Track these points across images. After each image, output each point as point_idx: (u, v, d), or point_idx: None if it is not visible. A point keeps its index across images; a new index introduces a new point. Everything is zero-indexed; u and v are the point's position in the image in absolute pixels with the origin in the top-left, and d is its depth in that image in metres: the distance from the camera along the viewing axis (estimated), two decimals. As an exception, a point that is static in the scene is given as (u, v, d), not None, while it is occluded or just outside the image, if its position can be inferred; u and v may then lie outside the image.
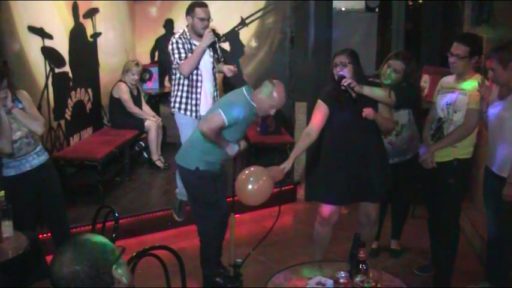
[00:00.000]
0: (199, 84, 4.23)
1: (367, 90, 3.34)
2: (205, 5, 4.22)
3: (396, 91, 3.49)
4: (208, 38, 4.12)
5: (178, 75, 4.24)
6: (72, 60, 5.42)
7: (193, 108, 4.26)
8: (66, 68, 5.34)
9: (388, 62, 3.77)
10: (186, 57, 4.12)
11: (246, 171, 3.23)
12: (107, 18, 6.29)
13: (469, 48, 3.32)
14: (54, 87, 5.08)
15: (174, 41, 4.16)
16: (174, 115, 4.43)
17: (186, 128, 4.22)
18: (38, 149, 3.53)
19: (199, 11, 4.16)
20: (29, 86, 4.38)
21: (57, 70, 5.16)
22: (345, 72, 3.36)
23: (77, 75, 5.53)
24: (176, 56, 4.13)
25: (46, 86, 4.95)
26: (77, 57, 5.52)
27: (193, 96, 4.24)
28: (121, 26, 6.76)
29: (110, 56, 6.41)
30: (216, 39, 4.24)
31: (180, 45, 4.14)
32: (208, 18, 4.19)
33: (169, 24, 7.01)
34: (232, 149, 3.48)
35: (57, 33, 5.15)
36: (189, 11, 4.20)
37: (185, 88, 4.24)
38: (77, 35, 5.60)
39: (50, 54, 5.02)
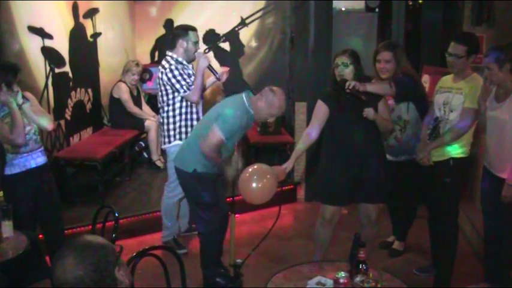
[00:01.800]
0: (195, 110, 4.11)
1: (370, 87, 3.35)
2: (196, 29, 4.10)
3: (394, 82, 3.54)
4: (204, 59, 3.93)
5: (178, 105, 4.04)
6: (72, 60, 5.42)
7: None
8: (66, 68, 5.34)
9: (377, 58, 3.79)
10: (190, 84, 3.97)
11: (250, 169, 3.19)
12: (107, 18, 6.29)
13: (467, 48, 3.34)
14: (54, 87, 5.08)
15: (172, 68, 3.96)
16: (169, 151, 4.13)
17: None
18: (41, 148, 3.58)
19: (193, 35, 4.03)
20: (29, 86, 4.38)
21: (57, 70, 5.15)
22: (346, 73, 3.36)
23: (77, 75, 5.52)
24: (183, 83, 3.93)
25: (46, 86, 4.95)
26: (77, 57, 5.52)
27: (195, 123, 4.06)
28: (121, 26, 6.77)
29: (110, 56, 6.41)
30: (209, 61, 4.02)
31: (182, 72, 3.97)
32: (198, 42, 4.10)
33: (169, 24, 7.01)
34: (230, 172, 3.50)
35: (57, 33, 5.14)
36: (182, 35, 4.01)
37: (188, 116, 4.08)
38: (77, 35, 5.60)
39: (50, 54, 5.02)
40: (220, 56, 6.77)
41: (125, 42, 6.86)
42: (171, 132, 4.09)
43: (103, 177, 5.03)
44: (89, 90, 5.89)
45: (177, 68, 3.96)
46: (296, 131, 5.55)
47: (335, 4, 5.62)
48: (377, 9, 6.03)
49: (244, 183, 3.17)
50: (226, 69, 4.22)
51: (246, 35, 6.79)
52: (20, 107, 3.32)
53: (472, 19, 4.96)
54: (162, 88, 4.04)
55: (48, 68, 4.99)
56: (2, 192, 3.02)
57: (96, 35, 6.04)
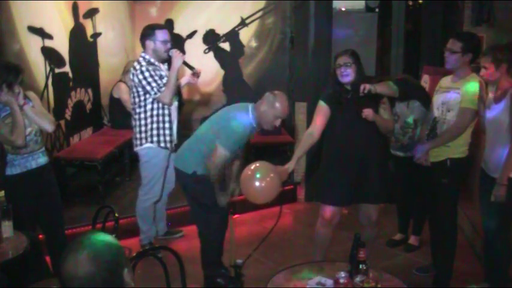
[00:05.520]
0: (167, 112, 4.03)
1: (380, 88, 3.35)
2: (165, 27, 4.05)
3: (394, 82, 3.59)
4: (178, 58, 3.86)
5: (150, 106, 3.96)
6: (72, 60, 5.42)
7: (168, 139, 4.06)
8: (66, 68, 5.34)
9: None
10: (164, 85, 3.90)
11: (252, 167, 3.13)
12: (107, 18, 6.29)
13: (462, 44, 3.33)
14: (54, 87, 5.08)
15: (143, 69, 3.88)
16: (141, 154, 4.09)
17: (161, 163, 4.07)
18: (42, 149, 3.56)
19: (160, 34, 3.94)
20: (29, 86, 4.38)
21: (57, 70, 5.16)
22: (349, 73, 3.37)
23: (77, 75, 5.53)
24: (154, 85, 3.86)
25: (46, 86, 4.95)
26: (77, 57, 5.52)
27: (167, 126, 4.03)
28: (121, 26, 6.77)
29: (110, 56, 6.41)
30: (184, 57, 3.95)
31: (153, 73, 3.89)
32: (169, 41, 3.99)
33: (169, 24, 7.01)
34: (222, 201, 3.52)
35: (57, 33, 5.15)
36: (149, 35, 3.95)
37: (160, 118, 3.99)
38: (77, 35, 5.60)
39: (50, 54, 5.02)
40: (220, 56, 6.78)
41: (125, 42, 6.86)
42: (143, 135, 4.03)
43: (103, 177, 5.02)
44: (89, 90, 5.90)
45: (148, 70, 3.89)
46: (296, 131, 5.55)
47: (335, 4, 5.62)
48: (377, 9, 6.03)
49: (246, 181, 3.13)
50: (199, 70, 4.10)
51: (246, 35, 6.78)
52: (21, 108, 3.31)
53: (472, 19, 4.96)
54: (134, 90, 3.98)
55: (48, 68, 4.99)
56: (2, 192, 3.02)
57: (96, 35, 6.04)
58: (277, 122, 3.46)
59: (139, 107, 4.00)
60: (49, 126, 3.50)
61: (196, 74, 4.09)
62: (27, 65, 4.65)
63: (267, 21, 6.71)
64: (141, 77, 3.88)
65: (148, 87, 3.89)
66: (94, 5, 5.95)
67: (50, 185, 3.62)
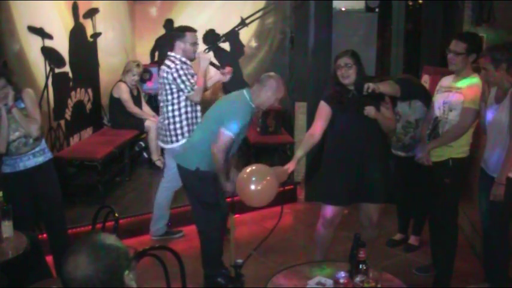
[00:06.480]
0: (198, 108, 4.22)
1: (383, 87, 3.35)
2: (194, 30, 4.21)
3: (396, 82, 3.58)
4: (205, 60, 4.12)
5: (183, 104, 4.12)
6: (72, 60, 5.42)
7: None
8: (66, 68, 5.34)
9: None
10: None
11: (248, 170, 3.15)
12: (107, 18, 6.29)
13: (466, 45, 3.34)
14: (54, 87, 5.08)
15: (178, 67, 4.05)
16: (173, 151, 4.18)
17: None
18: (36, 149, 3.52)
19: (190, 36, 4.13)
20: (29, 86, 4.36)
21: (57, 70, 5.16)
22: (350, 74, 3.37)
23: (77, 75, 5.53)
24: (188, 83, 4.04)
25: (46, 86, 4.95)
26: (77, 57, 5.52)
27: (199, 121, 4.17)
28: (121, 26, 6.77)
29: (110, 56, 6.41)
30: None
31: (187, 72, 4.07)
32: (198, 43, 4.21)
33: (169, 24, 7.01)
34: (230, 186, 3.50)
35: (57, 33, 5.15)
36: (180, 37, 4.13)
37: (193, 114, 4.18)
38: (77, 35, 5.60)
39: (50, 54, 5.02)
40: (220, 56, 6.78)
41: (125, 42, 6.86)
42: (178, 131, 4.16)
43: (103, 177, 5.03)
44: (89, 90, 5.90)
45: (182, 68, 4.06)
46: (296, 131, 5.55)
47: (335, 4, 5.61)
48: (377, 9, 6.03)
49: (242, 184, 3.13)
50: (230, 69, 4.31)
51: (246, 35, 6.79)
52: (9, 111, 3.31)
53: (472, 19, 4.96)
54: (167, 87, 4.11)
55: (48, 68, 4.99)
56: (1, 192, 3.02)
57: (96, 35, 6.04)
58: (277, 102, 3.56)
59: (173, 104, 4.14)
60: (32, 132, 3.45)
61: (227, 71, 4.27)
62: (27, 65, 4.66)
63: (267, 21, 6.72)
64: (176, 75, 4.04)
65: (182, 86, 4.05)
66: (94, 5, 5.96)
67: (46, 186, 3.60)
